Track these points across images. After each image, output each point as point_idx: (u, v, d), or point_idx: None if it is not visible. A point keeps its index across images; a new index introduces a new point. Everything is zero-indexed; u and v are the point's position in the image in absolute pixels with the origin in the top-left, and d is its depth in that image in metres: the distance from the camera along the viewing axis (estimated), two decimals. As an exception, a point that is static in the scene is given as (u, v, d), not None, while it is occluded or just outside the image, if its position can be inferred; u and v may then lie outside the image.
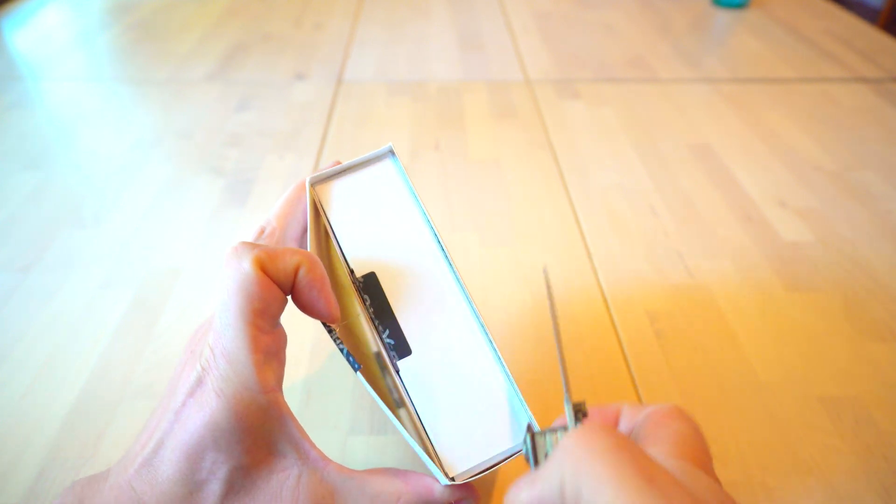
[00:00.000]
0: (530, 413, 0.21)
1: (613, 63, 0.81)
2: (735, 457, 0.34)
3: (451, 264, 0.23)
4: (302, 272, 0.22)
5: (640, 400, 0.38)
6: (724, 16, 0.97)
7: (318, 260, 0.23)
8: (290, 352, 0.40)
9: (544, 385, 0.39)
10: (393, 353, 0.23)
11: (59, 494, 0.24)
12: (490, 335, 0.22)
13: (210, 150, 0.62)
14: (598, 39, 0.88)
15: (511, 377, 0.22)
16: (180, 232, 0.51)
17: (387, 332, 0.23)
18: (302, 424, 0.34)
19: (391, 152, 0.26)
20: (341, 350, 0.23)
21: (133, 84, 0.75)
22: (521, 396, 0.22)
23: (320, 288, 0.22)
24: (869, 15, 1.98)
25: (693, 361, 0.40)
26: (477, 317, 0.23)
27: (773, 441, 0.35)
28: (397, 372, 0.22)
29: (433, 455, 0.21)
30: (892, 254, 0.49)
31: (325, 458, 0.23)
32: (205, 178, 0.58)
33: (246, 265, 0.21)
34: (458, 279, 0.23)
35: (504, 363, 0.22)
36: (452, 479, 0.21)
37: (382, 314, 0.23)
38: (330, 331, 0.23)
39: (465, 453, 0.21)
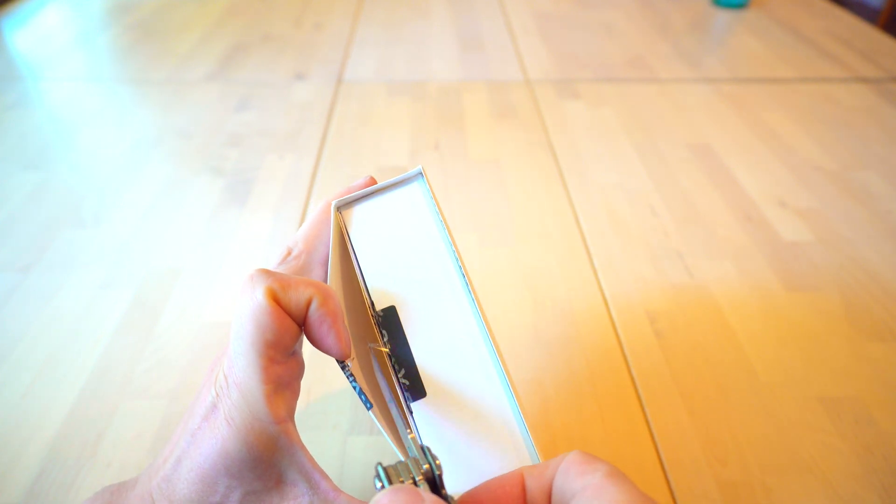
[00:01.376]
0: (539, 459, 0.22)
1: (613, 63, 0.81)
2: (735, 457, 0.34)
3: (472, 300, 0.23)
4: (314, 306, 0.22)
5: (639, 400, 0.38)
6: (724, 16, 0.97)
7: (333, 293, 0.22)
8: (290, 352, 0.40)
9: (544, 385, 0.39)
10: (407, 395, 0.22)
11: (89, 497, 0.24)
12: (508, 379, 0.22)
13: (210, 150, 0.62)
14: (598, 39, 0.88)
15: (525, 423, 0.21)
16: (180, 232, 0.51)
17: (402, 371, 0.23)
18: (302, 424, 0.34)
19: (420, 174, 0.25)
20: (354, 387, 0.22)
21: (133, 84, 0.75)
22: (532, 444, 0.22)
23: (331, 323, 0.22)
24: (869, 15, 1.98)
25: (693, 361, 0.40)
26: (496, 358, 0.22)
27: (773, 441, 0.35)
28: (410, 413, 0.22)
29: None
30: (892, 254, 0.49)
31: (336, 489, 0.23)
32: (205, 178, 0.58)
33: (259, 295, 0.21)
34: (478, 316, 0.23)
35: (519, 407, 0.21)
36: None
37: (399, 352, 0.23)
38: (343, 367, 0.22)
39: (464, 480, 0.21)
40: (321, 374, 0.39)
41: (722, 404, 0.37)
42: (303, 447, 0.23)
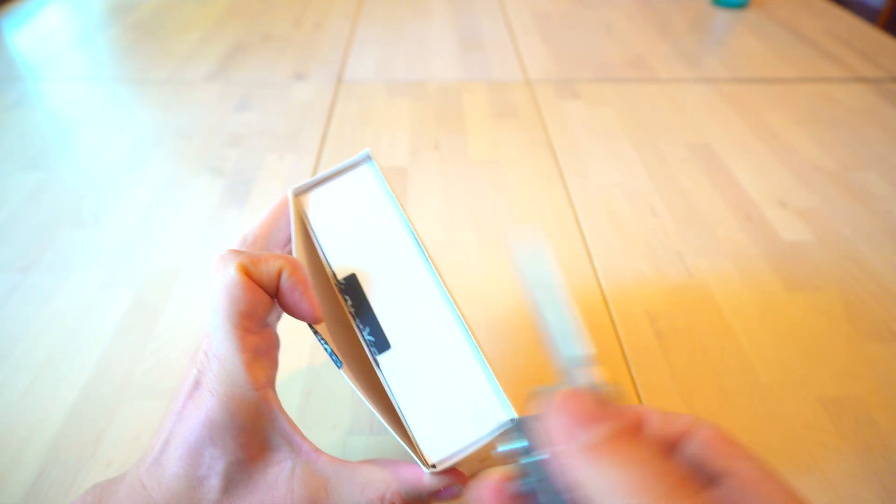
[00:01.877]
0: (506, 399, 0.22)
1: (613, 63, 0.81)
2: (735, 457, 0.34)
3: (429, 262, 0.24)
4: (285, 275, 0.23)
5: (639, 400, 0.38)
6: (724, 16, 0.97)
7: (301, 263, 0.24)
8: (291, 353, 0.40)
9: (545, 384, 0.39)
10: (374, 349, 0.23)
11: (79, 494, 0.25)
12: (468, 327, 0.23)
13: (210, 150, 0.62)
14: (598, 39, 0.88)
15: (489, 366, 0.22)
16: (180, 232, 0.51)
17: (367, 329, 0.24)
18: (302, 424, 0.34)
19: (369, 157, 0.27)
20: (326, 349, 0.23)
21: (133, 84, 0.75)
22: (497, 384, 0.22)
23: (303, 290, 0.23)
24: (869, 15, 1.98)
25: (693, 361, 0.40)
26: (455, 310, 0.23)
27: (773, 441, 0.35)
28: (377, 366, 0.23)
29: (413, 445, 0.22)
30: (892, 254, 0.49)
31: (317, 450, 0.24)
32: (205, 178, 0.58)
33: (231, 270, 0.22)
34: (435, 276, 0.24)
35: (482, 353, 0.22)
36: (433, 466, 0.21)
37: (363, 313, 0.24)
38: (315, 332, 0.24)
39: (443, 441, 0.22)
40: (320, 375, 0.39)
41: (722, 404, 0.37)
42: (283, 412, 0.23)
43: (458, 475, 0.23)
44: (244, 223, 0.52)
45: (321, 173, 0.27)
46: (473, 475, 0.24)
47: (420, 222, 0.52)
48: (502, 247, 0.50)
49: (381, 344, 0.23)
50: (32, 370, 0.39)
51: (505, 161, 0.61)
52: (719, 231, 0.52)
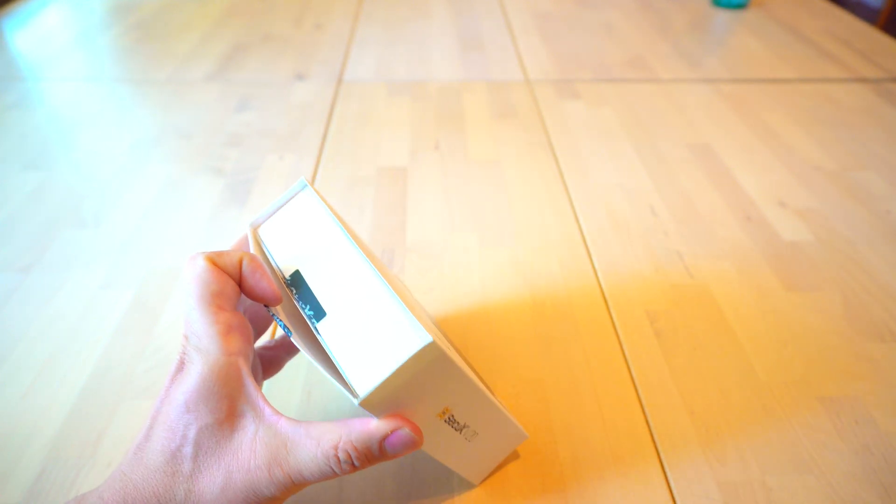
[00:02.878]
0: (420, 326, 0.25)
1: (613, 63, 0.81)
2: (735, 457, 0.35)
3: (356, 247, 0.29)
4: (245, 262, 0.27)
5: (639, 400, 0.38)
6: (724, 16, 0.97)
7: (257, 255, 0.28)
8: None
9: (544, 385, 0.39)
10: (313, 320, 0.27)
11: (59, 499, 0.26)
12: (386, 282, 0.27)
13: (210, 150, 0.62)
14: (598, 39, 0.89)
15: (403, 305, 0.26)
16: (180, 232, 0.51)
17: (307, 306, 0.28)
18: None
19: (305, 185, 0.32)
20: (280, 324, 0.27)
21: (133, 84, 0.75)
22: (411, 316, 0.25)
23: (261, 273, 0.27)
24: (869, 15, 1.98)
25: (693, 361, 0.40)
26: (377, 273, 0.27)
27: (773, 441, 0.35)
28: (317, 332, 0.27)
29: (350, 388, 0.25)
30: (892, 254, 0.49)
31: (277, 413, 0.26)
32: (205, 178, 0.58)
33: (199, 261, 0.26)
34: (364, 258, 0.28)
35: (398, 297, 0.26)
36: (359, 396, 0.24)
37: (304, 295, 0.28)
38: (273, 314, 0.28)
39: (370, 376, 0.24)
40: (320, 375, 0.39)
41: (722, 404, 0.37)
42: (251, 377, 0.26)
43: (402, 419, 0.25)
44: (244, 223, 0.52)
45: (270, 205, 0.32)
46: (423, 423, 0.27)
47: (420, 222, 0.52)
48: (502, 247, 0.50)
49: (319, 314, 0.27)
50: (32, 370, 0.39)
51: (505, 161, 0.61)
52: (719, 231, 0.52)
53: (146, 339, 0.41)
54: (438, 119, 0.68)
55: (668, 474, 0.34)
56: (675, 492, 0.33)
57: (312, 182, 0.57)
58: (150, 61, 0.81)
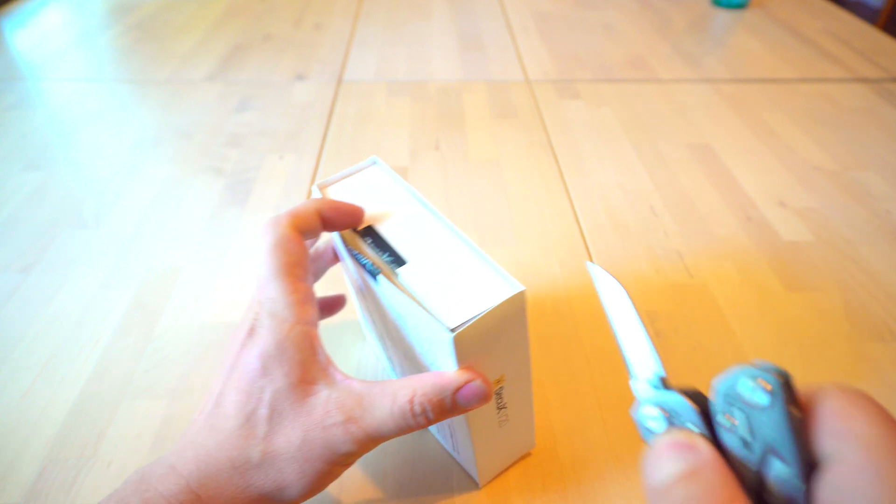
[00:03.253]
0: (511, 277, 0.26)
1: (613, 63, 0.81)
2: (735, 457, 0.34)
3: (433, 210, 0.29)
4: (323, 207, 0.28)
5: (639, 400, 0.38)
6: (724, 16, 0.97)
7: (327, 198, 0.29)
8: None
9: (545, 384, 0.39)
10: (393, 265, 0.27)
11: (122, 483, 0.26)
12: (467, 238, 0.28)
13: (210, 150, 0.62)
14: (598, 39, 0.89)
15: (490, 259, 0.27)
16: (180, 232, 0.51)
17: (385, 254, 0.28)
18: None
19: (375, 161, 0.33)
20: (365, 263, 0.28)
21: (133, 84, 0.75)
22: (500, 268, 0.26)
23: (338, 205, 0.28)
24: (869, 15, 1.98)
25: (693, 361, 0.40)
26: (454, 228, 0.29)
27: (773, 441, 0.35)
28: (398, 277, 0.27)
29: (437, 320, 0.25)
30: (892, 254, 0.49)
31: (347, 377, 0.27)
32: (205, 178, 0.58)
33: (282, 228, 0.27)
34: (438, 215, 0.29)
35: (483, 252, 0.27)
36: (453, 329, 0.24)
37: (380, 244, 0.28)
38: (356, 255, 0.28)
39: (461, 314, 0.25)
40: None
41: (722, 404, 0.37)
42: (322, 347, 0.27)
43: (475, 373, 0.26)
44: (244, 223, 0.52)
45: (338, 173, 0.33)
46: (495, 380, 0.27)
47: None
48: (502, 247, 0.50)
49: (398, 261, 0.27)
50: (33, 370, 0.39)
51: (505, 161, 0.61)
52: (719, 231, 0.52)
53: (146, 339, 0.41)
54: (438, 119, 0.68)
55: (668, 474, 0.34)
56: (675, 492, 0.33)
57: (312, 182, 0.57)
58: (150, 61, 0.81)
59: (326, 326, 0.42)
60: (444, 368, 0.26)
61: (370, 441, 0.25)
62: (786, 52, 0.84)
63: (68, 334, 0.42)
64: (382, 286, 0.27)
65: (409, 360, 0.31)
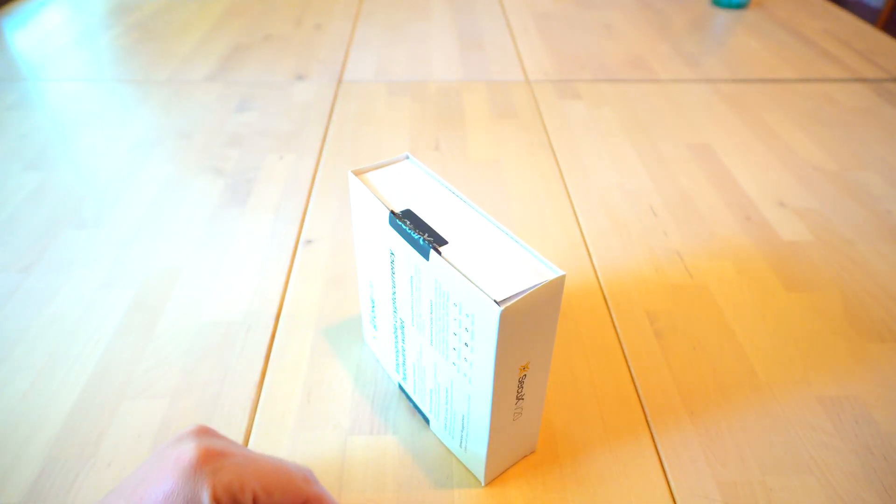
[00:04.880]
0: (551, 264, 0.27)
1: (613, 63, 0.81)
2: (735, 457, 0.35)
3: (467, 201, 0.31)
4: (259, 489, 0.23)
5: (639, 400, 0.38)
6: (723, 16, 0.97)
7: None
8: (292, 353, 0.40)
9: (547, 384, 0.39)
10: (434, 245, 0.28)
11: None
12: (505, 228, 0.29)
13: (210, 150, 0.62)
14: (598, 39, 0.89)
15: (529, 248, 0.28)
16: (180, 232, 0.51)
17: (426, 234, 0.29)
18: (302, 425, 0.34)
19: (407, 156, 0.35)
20: (417, 238, 0.28)
21: (133, 84, 0.75)
22: (540, 256, 0.27)
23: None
24: (869, 15, 1.98)
25: (693, 361, 0.40)
26: (489, 218, 0.30)
27: (773, 441, 0.35)
28: (440, 255, 0.28)
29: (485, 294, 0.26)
30: (892, 254, 0.49)
31: None
32: (205, 178, 0.58)
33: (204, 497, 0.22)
34: (473, 205, 0.30)
35: (521, 241, 0.28)
36: (500, 303, 0.25)
37: (420, 226, 0.29)
38: (406, 228, 0.29)
39: (506, 287, 0.26)
40: (322, 375, 0.39)
41: (722, 404, 0.37)
42: None
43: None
44: (244, 223, 0.52)
45: (372, 164, 0.34)
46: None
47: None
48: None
49: (440, 241, 0.28)
50: (33, 370, 0.39)
51: (505, 161, 0.61)
52: (719, 231, 0.52)
53: (146, 339, 0.41)
54: (438, 119, 0.68)
55: (668, 474, 0.34)
56: (674, 492, 0.33)
57: (312, 182, 0.57)
58: (150, 61, 0.81)
59: (327, 327, 0.42)
60: (482, 347, 0.27)
61: None
62: (786, 52, 0.84)
63: (68, 334, 0.42)
64: (433, 263, 0.28)
65: (438, 347, 0.31)
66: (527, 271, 0.27)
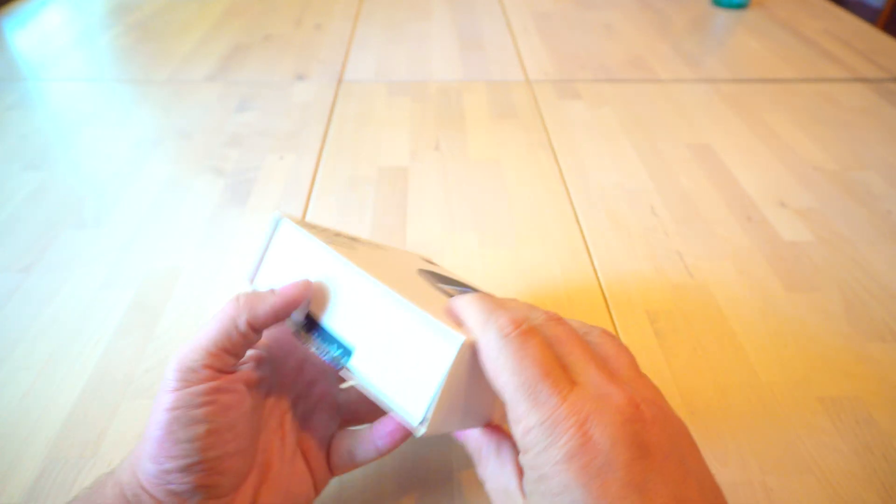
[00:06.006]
0: (447, 329, 0.24)
1: (613, 63, 0.81)
2: (735, 457, 0.35)
3: (355, 268, 0.27)
4: (278, 305, 0.27)
5: (640, 400, 0.38)
6: (724, 16, 0.97)
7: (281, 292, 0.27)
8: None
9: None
10: (343, 361, 0.26)
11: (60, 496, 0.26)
12: (397, 292, 0.26)
13: (210, 150, 0.62)
14: (598, 39, 0.88)
15: (426, 313, 0.25)
16: (180, 232, 0.51)
17: (334, 346, 0.27)
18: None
19: (279, 219, 0.30)
20: (328, 360, 0.26)
21: (133, 84, 0.75)
22: (435, 321, 0.24)
23: (287, 300, 0.27)
24: (869, 15, 1.98)
25: (693, 361, 0.40)
26: (383, 287, 0.26)
27: (773, 441, 0.35)
28: (351, 370, 0.26)
29: (405, 416, 0.24)
30: (892, 254, 0.49)
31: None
32: (205, 178, 0.58)
33: (241, 323, 0.26)
34: (363, 273, 0.27)
35: (415, 305, 0.25)
36: (421, 423, 0.23)
37: (327, 338, 0.27)
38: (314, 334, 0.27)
39: (421, 395, 0.24)
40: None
41: (722, 404, 0.37)
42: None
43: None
44: (244, 223, 0.52)
45: (256, 253, 0.31)
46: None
47: (420, 222, 0.52)
48: (502, 247, 0.50)
49: (346, 352, 0.26)
50: (33, 370, 0.39)
51: (505, 161, 0.61)
52: (719, 231, 0.52)
53: (146, 339, 0.41)
54: (438, 119, 0.68)
55: (669, 474, 0.34)
56: (675, 492, 0.33)
57: (312, 182, 0.57)
58: (150, 61, 0.81)
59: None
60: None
61: None
62: (786, 52, 0.84)
63: (68, 334, 0.42)
64: (348, 379, 0.26)
65: None
66: (431, 354, 0.24)
